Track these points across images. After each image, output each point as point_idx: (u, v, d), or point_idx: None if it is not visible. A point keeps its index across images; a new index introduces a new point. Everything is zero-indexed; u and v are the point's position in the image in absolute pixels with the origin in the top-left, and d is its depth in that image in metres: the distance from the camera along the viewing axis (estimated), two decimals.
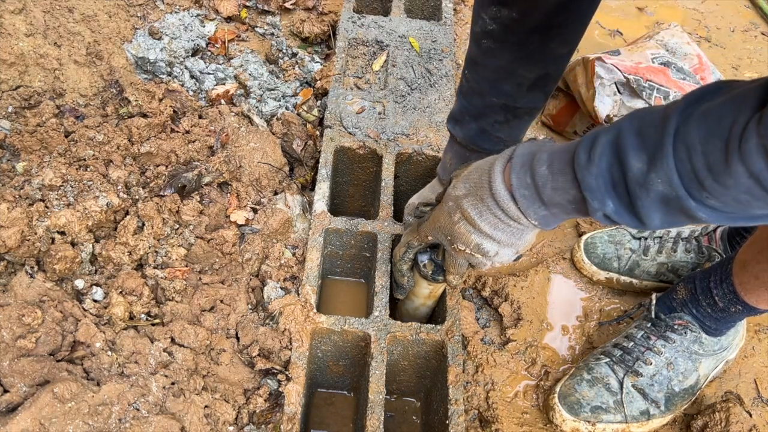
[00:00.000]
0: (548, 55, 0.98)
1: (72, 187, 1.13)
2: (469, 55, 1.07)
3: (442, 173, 1.18)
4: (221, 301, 1.12)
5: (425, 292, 1.14)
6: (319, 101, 1.59)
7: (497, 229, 0.84)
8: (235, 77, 1.58)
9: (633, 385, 1.10)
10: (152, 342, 1.01)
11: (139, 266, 1.13)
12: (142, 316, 1.06)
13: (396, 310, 1.24)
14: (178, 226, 1.18)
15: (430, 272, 1.06)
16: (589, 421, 1.09)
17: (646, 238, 1.31)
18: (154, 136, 1.27)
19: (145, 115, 1.30)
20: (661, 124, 0.63)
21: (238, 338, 1.09)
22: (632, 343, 1.14)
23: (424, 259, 1.07)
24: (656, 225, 0.69)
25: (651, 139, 0.64)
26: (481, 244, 0.87)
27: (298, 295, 1.15)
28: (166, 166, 1.25)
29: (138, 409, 0.92)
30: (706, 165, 0.60)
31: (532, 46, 0.97)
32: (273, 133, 1.44)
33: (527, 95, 1.03)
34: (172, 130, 1.31)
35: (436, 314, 1.24)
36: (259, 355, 1.07)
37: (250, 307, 1.14)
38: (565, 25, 0.95)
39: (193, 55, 1.60)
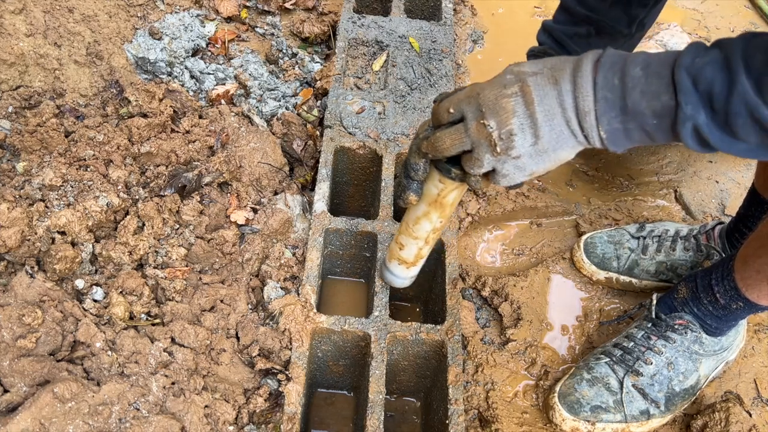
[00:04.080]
0: None
1: (72, 187, 1.13)
2: None
3: None
4: (221, 301, 1.12)
5: (433, 192, 0.92)
6: (319, 101, 1.59)
7: (550, 122, 0.73)
8: (235, 77, 1.58)
9: (633, 385, 1.10)
10: (152, 342, 1.01)
11: (140, 266, 1.13)
12: (142, 316, 1.06)
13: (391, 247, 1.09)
14: (178, 226, 1.18)
15: (445, 161, 0.86)
16: (588, 421, 1.09)
17: (644, 237, 1.31)
18: (154, 136, 1.27)
19: (145, 115, 1.31)
20: None
21: (238, 338, 1.09)
22: (632, 343, 1.14)
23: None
24: (748, 146, 0.67)
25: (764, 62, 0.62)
26: (515, 134, 0.74)
27: (298, 295, 1.15)
28: (166, 166, 1.25)
29: (138, 409, 0.92)
30: None
31: None
32: (273, 133, 1.44)
33: (609, 11, 1.04)
34: (172, 130, 1.31)
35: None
36: (259, 355, 1.07)
37: (250, 307, 1.14)
38: None
39: (193, 55, 1.61)
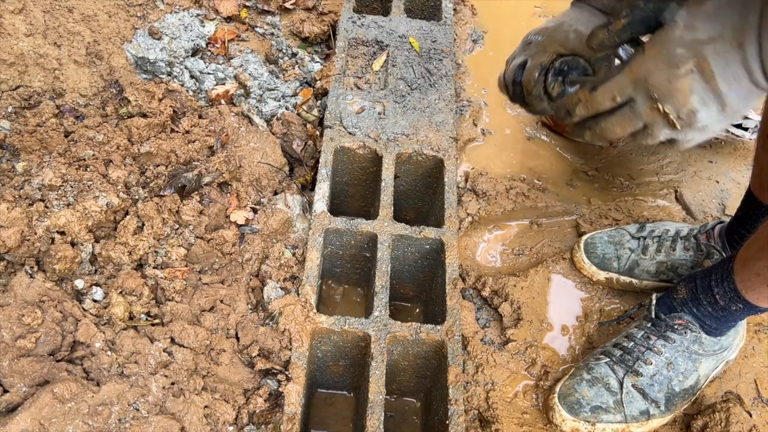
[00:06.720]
0: None
1: (72, 187, 1.13)
2: None
3: None
4: (221, 301, 1.12)
5: None
6: (319, 101, 1.59)
7: (736, 88, 0.66)
8: (235, 77, 1.58)
9: (633, 385, 1.10)
10: (152, 342, 1.01)
11: (139, 266, 1.13)
12: (142, 316, 1.06)
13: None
14: (178, 226, 1.18)
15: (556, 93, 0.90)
16: (588, 421, 1.08)
17: (645, 238, 1.31)
18: (154, 136, 1.27)
19: (145, 115, 1.30)
20: None
21: (238, 338, 1.09)
22: (632, 343, 1.14)
23: (552, 81, 0.92)
24: None
25: None
26: (698, 111, 0.68)
27: (298, 295, 1.15)
28: (166, 166, 1.25)
29: (138, 409, 0.92)
30: None
31: None
32: (273, 133, 1.44)
33: None
34: (172, 130, 1.31)
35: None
36: (259, 355, 1.07)
37: (250, 307, 1.14)
38: None
39: (193, 55, 1.60)
